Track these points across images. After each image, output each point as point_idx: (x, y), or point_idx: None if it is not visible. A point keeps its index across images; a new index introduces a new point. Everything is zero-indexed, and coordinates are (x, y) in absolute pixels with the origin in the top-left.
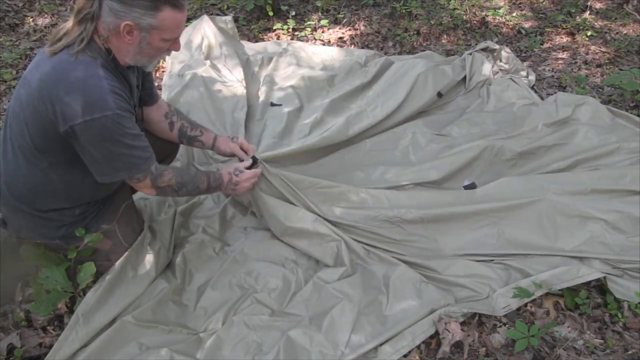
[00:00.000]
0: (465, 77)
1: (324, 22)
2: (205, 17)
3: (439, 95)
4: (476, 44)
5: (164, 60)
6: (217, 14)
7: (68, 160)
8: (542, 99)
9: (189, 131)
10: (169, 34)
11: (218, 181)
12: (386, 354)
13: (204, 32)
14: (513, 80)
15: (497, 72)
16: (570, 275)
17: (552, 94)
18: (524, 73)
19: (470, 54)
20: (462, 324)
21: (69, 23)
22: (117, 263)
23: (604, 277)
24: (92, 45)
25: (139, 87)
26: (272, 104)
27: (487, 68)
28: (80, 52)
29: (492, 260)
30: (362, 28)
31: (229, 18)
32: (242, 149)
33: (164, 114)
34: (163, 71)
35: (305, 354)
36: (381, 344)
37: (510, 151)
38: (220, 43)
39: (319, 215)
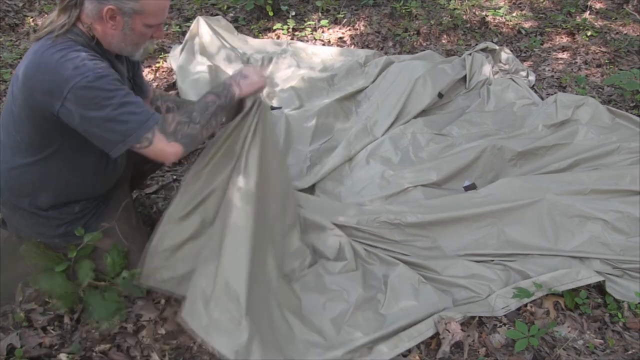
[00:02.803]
0: (465, 76)
1: (324, 22)
2: (201, 19)
3: (440, 95)
4: (476, 44)
5: (164, 61)
6: (217, 14)
7: (66, 154)
8: (542, 99)
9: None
10: (153, 19)
11: (220, 84)
12: (381, 354)
13: (200, 33)
14: (513, 80)
15: (497, 73)
16: (570, 279)
17: (552, 94)
18: (523, 73)
19: (470, 54)
20: (462, 324)
21: (55, 12)
22: None
23: (603, 281)
24: (74, 30)
25: (131, 79)
26: (272, 108)
27: (487, 68)
28: (60, 36)
29: (492, 260)
30: (362, 28)
31: (220, 17)
32: None
33: (150, 102)
34: (163, 71)
35: (293, 340)
36: (376, 343)
37: (511, 151)
38: (219, 46)
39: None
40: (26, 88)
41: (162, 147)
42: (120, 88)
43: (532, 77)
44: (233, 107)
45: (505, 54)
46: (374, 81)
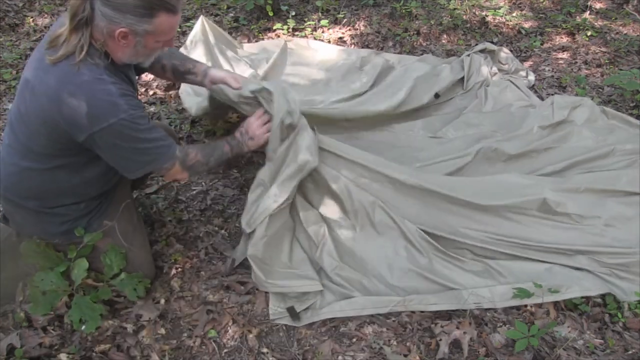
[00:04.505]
0: (463, 78)
1: (324, 22)
2: (205, 20)
3: (437, 96)
4: (476, 44)
5: None
6: (217, 14)
7: (76, 165)
8: (542, 99)
9: (180, 68)
10: (164, 37)
11: (234, 139)
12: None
13: (207, 31)
14: (511, 82)
15: (496, 73)
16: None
17: (552, 94)
18: (523, 73)
19: (469, 55)
20: (459, 322)
21: (66, 29)
22: None
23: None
24: (91, 51)
25: (136, 81)
26: None
27: (485, 70)
28: (82, 62)
29: (486, 257)
30: (362, 28)
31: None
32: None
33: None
34: None
35: None
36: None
37: (505, 154)
38: (222, 49)
39: None
40: (49, 113)
41: (176, 174)
42: (148, 126)
43: (531, 77)
44: None
45: (505, 54)
46: (373, 83)
